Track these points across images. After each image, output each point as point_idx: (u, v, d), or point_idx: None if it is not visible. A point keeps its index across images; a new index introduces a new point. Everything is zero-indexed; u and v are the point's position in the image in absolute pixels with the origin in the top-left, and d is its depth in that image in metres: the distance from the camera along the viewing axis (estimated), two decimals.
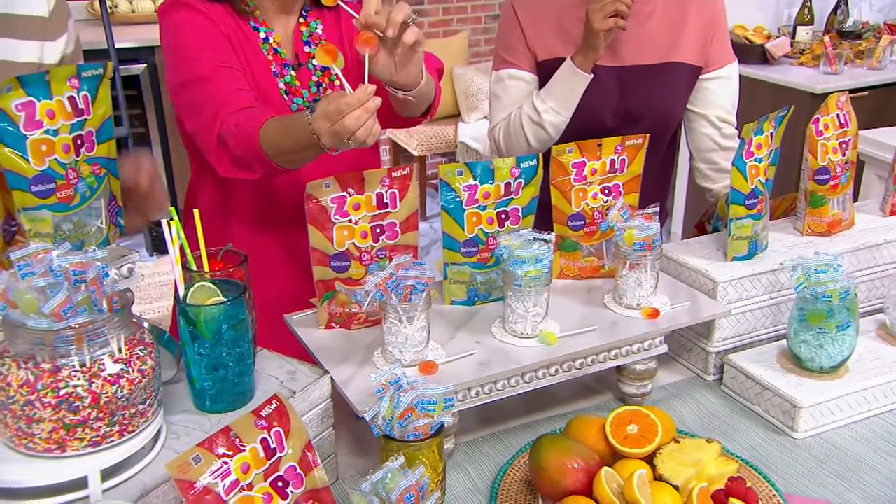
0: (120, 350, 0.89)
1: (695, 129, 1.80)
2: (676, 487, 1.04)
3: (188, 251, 1.07)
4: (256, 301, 1.13)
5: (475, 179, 1.29)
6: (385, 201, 1.24)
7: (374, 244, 1.26)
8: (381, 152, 4.81)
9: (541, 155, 1.32)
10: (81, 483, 0.87)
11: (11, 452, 0.89)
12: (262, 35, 1.45)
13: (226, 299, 1.01)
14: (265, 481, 0.87)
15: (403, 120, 1.46)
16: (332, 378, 1.14)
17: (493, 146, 1.83)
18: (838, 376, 1.32)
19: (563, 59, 1.66)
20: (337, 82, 1.50)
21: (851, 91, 2.96)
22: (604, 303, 1.37)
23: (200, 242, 1.10)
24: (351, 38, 1.52)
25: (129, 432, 0.91)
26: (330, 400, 1.14)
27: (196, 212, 1.11)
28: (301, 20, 1.50)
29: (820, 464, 1.22)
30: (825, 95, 1.96)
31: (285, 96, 1.47)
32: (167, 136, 4.02)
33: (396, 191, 1.24)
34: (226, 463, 0.83)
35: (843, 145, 1.56)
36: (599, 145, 1.37)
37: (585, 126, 1.67)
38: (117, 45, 3.55)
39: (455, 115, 4.69)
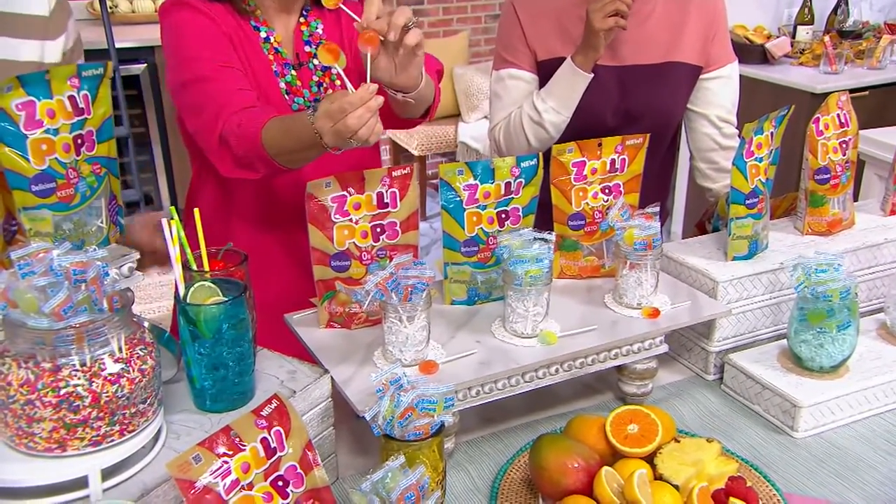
0: (120, 349, 0.89)
1: (695, 129, 1.80)
2: (677, 487, 1.04)
3: (188, 250, 1.07)
4: (257, 300, 1.13)
5: (475, 179, 1.29)
6: (385, 201, 1.24)
7: (375, 244, 1.26)
8: (382, 152, 4.81)
9: (541, 154, 1.32)
10: (82, 482, 0.87)
11: (12, 452, 0.89)
12: (263, 34, 1.45)
13: (226, 299, 1.01)
14: (265, 481, 0.87)
15: (402, 121, 1.46)
16: (332, 377, 1.14)
17: (493, 146, 1.83)
18: (838, 376, 1.32)
19: (564, 59, 1.66)
20: (338, 82, 1.50)
21: (852, 91, 2.96)
22: (604, 302, 1.37)
23: (201, 242, 1.10)
24: (351, 37, 1.52)
25: (129, 432, 0.91)
26: (330, 399, 1.14)
27: (196, 211, 1.11)
28: (302, 20, 1.50)
29: (820, 463, 1.22)
30: (825, 95, 1.96)
31: (286, 96, 1.47)
32: (167, 136, 4.02)
33: (397, 190, 1.24)
34: (226, 462, 0.83)
35: (844, 145, 1.56)
36: (600, 145, 1.37)
37: (586, 126, 1.67)
38: (117, 45, 3.55)
39: (455, 115, 4.70)
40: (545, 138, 1.70)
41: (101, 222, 1.14)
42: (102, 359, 0.87)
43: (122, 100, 3.55)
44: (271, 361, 1.14)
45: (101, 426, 0.88)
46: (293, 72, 1.48)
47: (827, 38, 3.72)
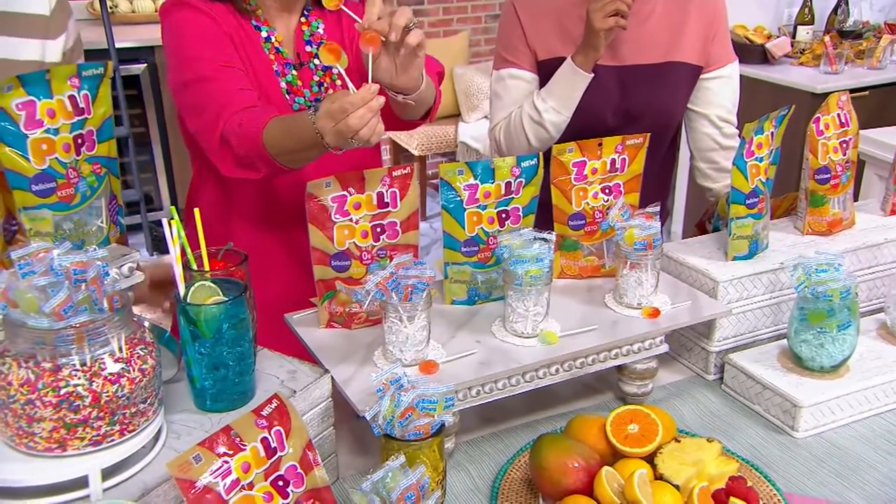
0: (120, 349, 0.88)
1: (695, 129, 1.80)
2: (677, 487, 1.04)
3: (189, 250, 1.07)
4: (257, 300, 1.13)
5: (476, 179, 1.29)
6: (385, 200, 1.24)
7: (375, 243, 1.26)
8: (382, 152, 4.81)
9: (541, 154, 1.32)
10: (82, 482, 0.87)
11: (12, 452, 0.89)
12: (264, 34, 1.45)
13: (226, 298, 1.01)
14: (266, 480, 0.87)
15: (403, 122, 1.46)
16: (332, 377, 1.14)
17: (493, 145, 1.83)
18: (839, 376, 1.32)
19: (564, 59, 1.66)
20: (339, 82, 1.50)
21: (852, 91, 2.96)
22: (604, 302, 1.37)
23: (201, 241, 1.10)
24: (352, 38, 1.52)
25: (129, 431, 0.91)
26: (330, 399, 1.14)
27: (196, 211, 1.11)
28: (303, 19, 1.50)
29: (820, 463, 1.22)
30: (825, 95, 1.96)
31: (287, 96, 1.47)
32: (167, 136, 4.02)
33: (397, 190, 1.24)
34: (226, 462, 0.83)
35: (844, 145, 1.56)
36: (600, 145, 1.37)
37: (586, 125, 1.67)
38: (117, 45, 3.55)
39: (455, 115, 4.69)
40: (545, 138, 1.70)
41: (102, 222, 1.14)
42: (103, 358, 0.87)
43: (122, 100, 3.56)
44: (271, 361, 1.14)
45: (101, 426, 0.88)
46: (294, 71, 1.48)
47: (827, 38, 3.72)
